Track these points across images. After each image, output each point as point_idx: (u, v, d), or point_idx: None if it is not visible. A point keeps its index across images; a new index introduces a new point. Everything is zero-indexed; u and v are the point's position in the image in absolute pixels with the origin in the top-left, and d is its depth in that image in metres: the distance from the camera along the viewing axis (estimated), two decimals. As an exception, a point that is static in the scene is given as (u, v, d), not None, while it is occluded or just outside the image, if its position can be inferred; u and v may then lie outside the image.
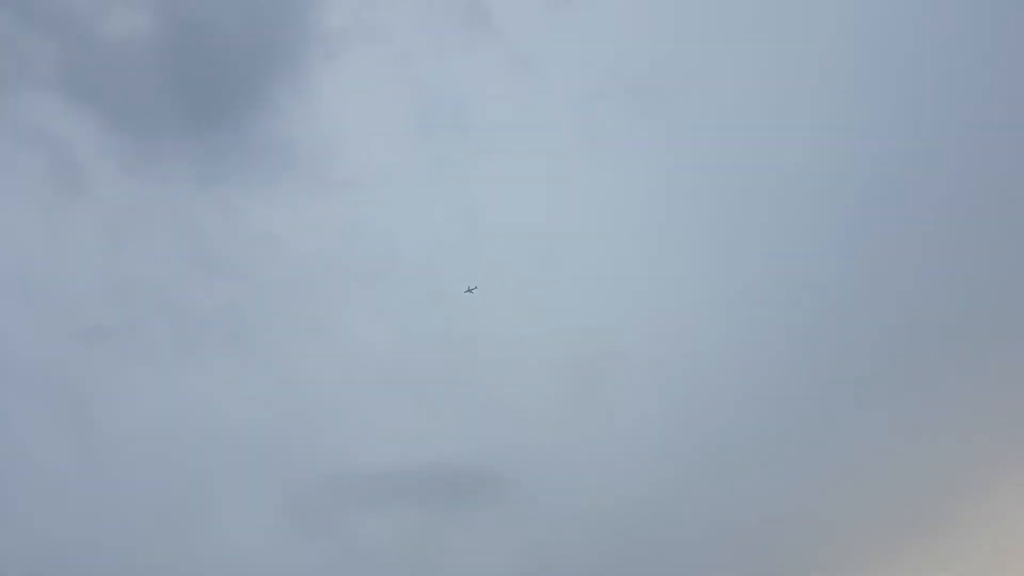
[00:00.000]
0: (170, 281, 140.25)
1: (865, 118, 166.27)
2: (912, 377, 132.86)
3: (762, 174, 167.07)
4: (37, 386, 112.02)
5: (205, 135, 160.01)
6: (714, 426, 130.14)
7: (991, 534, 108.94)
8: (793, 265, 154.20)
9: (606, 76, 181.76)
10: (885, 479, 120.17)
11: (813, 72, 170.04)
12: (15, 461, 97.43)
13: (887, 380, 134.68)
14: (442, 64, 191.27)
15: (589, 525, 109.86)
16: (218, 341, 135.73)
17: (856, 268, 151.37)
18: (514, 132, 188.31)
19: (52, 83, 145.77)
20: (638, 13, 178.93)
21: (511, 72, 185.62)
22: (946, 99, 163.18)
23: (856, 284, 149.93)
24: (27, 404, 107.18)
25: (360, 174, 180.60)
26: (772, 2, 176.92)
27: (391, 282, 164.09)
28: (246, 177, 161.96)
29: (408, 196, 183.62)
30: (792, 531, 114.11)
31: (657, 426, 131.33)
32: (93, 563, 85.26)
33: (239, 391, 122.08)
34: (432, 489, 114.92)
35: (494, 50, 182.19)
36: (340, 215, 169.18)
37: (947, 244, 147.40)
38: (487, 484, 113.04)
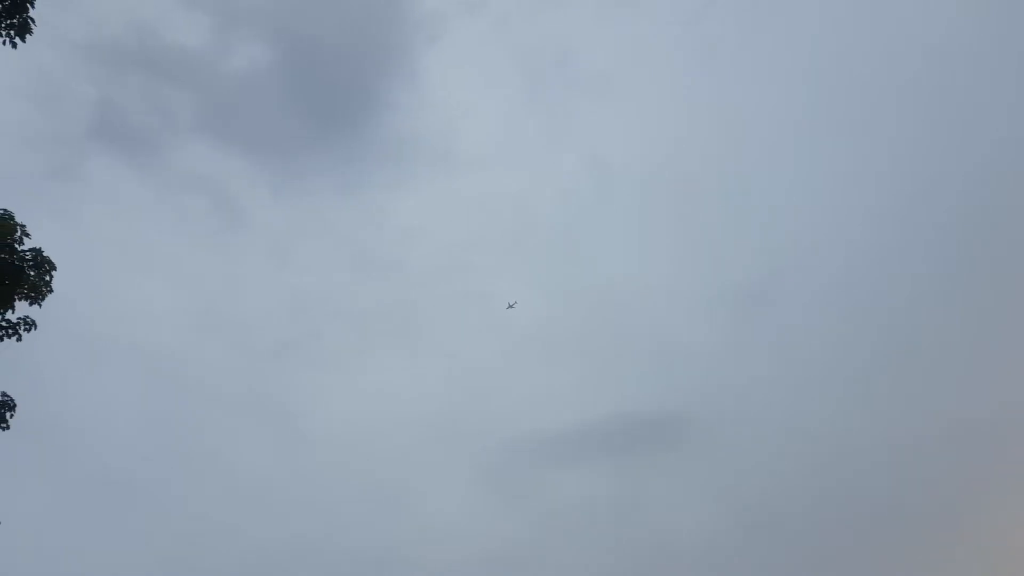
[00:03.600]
0: (335, 289, 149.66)
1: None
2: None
3: (890, 68, 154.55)
4: (237, 403, 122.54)
5: (338, 145, 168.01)
6: (887, 335, 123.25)
7: None
8: (944, 162, 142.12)
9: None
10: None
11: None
12: (227, 472, 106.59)
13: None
14: (539, 19, 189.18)
15: (780, 451, 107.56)
16: (389, 335, 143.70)
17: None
18: (623, 68, 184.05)
19: (196, 129, 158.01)
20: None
21: (609, 6, 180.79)
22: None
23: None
24: (231, 421, 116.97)
25: (484, 148, 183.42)
26: None
27: (532, 247, 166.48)
28: (383, 177, 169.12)
29: (533, 157, 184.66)
30: (990, 434, 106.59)
31: (830, 342, 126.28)
32: (307, 557, 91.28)
33: (417, 378, 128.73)
34: (616, 439, 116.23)
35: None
36: (473, 192, 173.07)
37: None
38: (669, 427, 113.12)
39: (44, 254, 18.70)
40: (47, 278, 18.68)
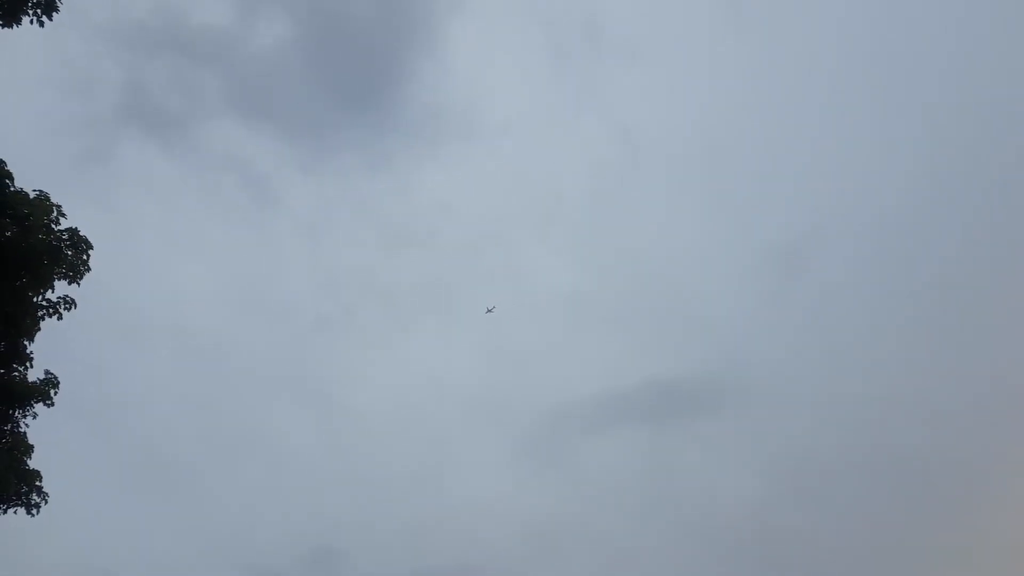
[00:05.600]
0: (369, 265, 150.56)
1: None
2: None
3: (924, 28, 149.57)
4: (276, 381, 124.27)
5: (364, 121, 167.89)
6: (925, 296, 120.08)
7: None
8: (983, 114, 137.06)
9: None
10: None
11: None
12: (273, 449, 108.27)
13: None
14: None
15: (817, 416, 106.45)
16: (422, 310, 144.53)
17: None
18: (651, 34, 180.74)
19: (224, 109, 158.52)
20: None
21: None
22: None
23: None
24: (271, 398, 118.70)
25: (510, 117, 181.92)
26: None
27: (561, 220, 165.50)
28: (409, 151, 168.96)
29: (560, 127, 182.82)
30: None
31: (867, 304, 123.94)
32: (349, 532, 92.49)
33: (452, 352, 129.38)
34: (650, 407, 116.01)
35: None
36: (502, 164, 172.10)
37: None
38: (706, 393, 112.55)
39: (80, 233, 18.91)
40: (84, 257, 18.90)
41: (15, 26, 16.94)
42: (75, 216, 18.89)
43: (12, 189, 18.23)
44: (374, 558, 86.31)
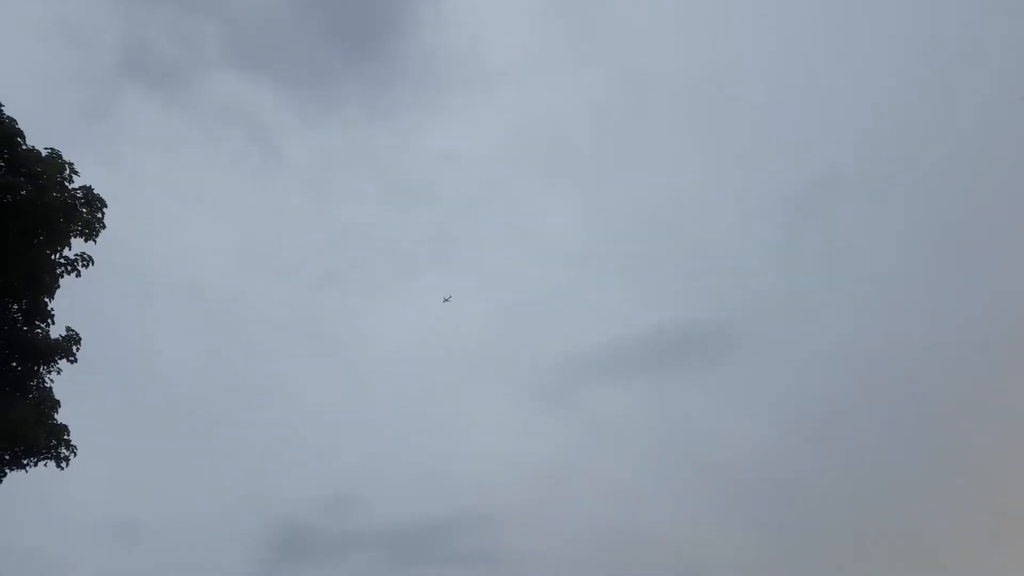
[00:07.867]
0: (374, 218, 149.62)
1: None
2: None
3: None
4: (290, 335, 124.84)
5: (366, 71, 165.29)
6: (941, 238, 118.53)
7: None
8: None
9: None
10: None
11: None
12: (288, 400, 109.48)
13: None
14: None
15: (830, 362, 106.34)
16: (430, 262, 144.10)
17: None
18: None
19: (224, 60, 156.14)
20: None
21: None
22: None
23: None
24: (285, 352, 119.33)
25: (512, 60, 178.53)
26: None
27: (567, 166, 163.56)
28: (412, 100, 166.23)
29: (565, 70, 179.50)
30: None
31: (881, 247, 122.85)
32: (367, 476, 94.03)
33: (461, 302, 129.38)
34: (660, 353, 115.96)
35: None
36: (504, 111, 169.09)
37: None
38: (715, 340, 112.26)
39: (95, 191, 18.98)
40: (99, 215, 18.99)
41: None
42: (82, 170, 18.95)
43: (24, 147, 18.27)
44: (390, 504, 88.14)
